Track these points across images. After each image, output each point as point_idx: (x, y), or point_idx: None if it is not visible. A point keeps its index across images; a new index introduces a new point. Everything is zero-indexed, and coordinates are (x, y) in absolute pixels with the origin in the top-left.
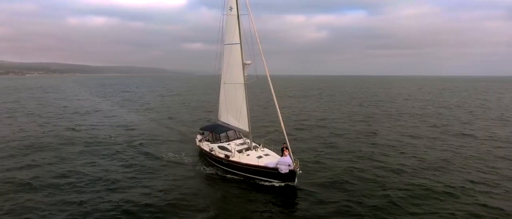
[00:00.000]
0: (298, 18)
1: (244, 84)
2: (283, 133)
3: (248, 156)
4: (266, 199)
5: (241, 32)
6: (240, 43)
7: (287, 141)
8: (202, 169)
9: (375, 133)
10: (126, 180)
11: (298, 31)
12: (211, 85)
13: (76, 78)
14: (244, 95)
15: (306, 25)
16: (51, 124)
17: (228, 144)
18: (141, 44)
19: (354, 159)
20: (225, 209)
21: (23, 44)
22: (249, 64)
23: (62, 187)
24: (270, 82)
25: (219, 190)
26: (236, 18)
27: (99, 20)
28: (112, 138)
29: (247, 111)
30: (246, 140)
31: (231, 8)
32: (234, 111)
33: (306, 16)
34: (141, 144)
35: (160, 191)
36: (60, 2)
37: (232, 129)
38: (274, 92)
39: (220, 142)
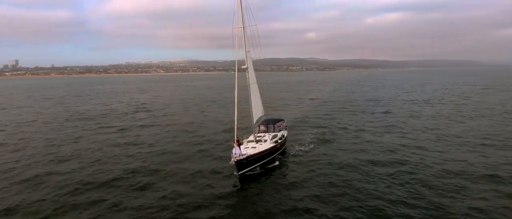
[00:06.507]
0: None
1: (248, 85)
2: (234, 129)
3: (242, 145)
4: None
5: (246, 42)
6: (245, 51)
7: (235, 135)
8: None
9: None
10: None
11: None
12: None
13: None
14: (249, 93)
15: None
16: None
17: (251, 135)
18: (441, 35)
19: None
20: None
21: (333, 45)
22: (246, 67)
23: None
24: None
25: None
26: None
27: (393, 16)
28: None
29: (250, 107)
30: (266, 135)
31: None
32: None
33: None
34: None
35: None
36: (357, 5)
37: (262, 124)
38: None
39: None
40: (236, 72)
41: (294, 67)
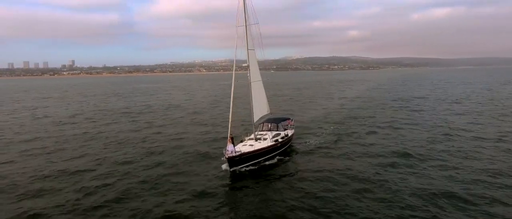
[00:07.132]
0: None
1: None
2: (228, 126)
3: (242, 142)
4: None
5: (249, 40)
6: (247, 50)
7: (229, 132)
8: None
9: None
10: None
11: None
12: None
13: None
14: (250, 91)
15: None
16: None
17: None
18: (494, 31)
19: None
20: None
21: (376, 43)
22: (247, 65)
23: None
24: (233, 84)
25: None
26: (248, 29)
27: (441, 12)
28: None
29: (251, 105)
30: (268, 133)
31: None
32: None
33: None
34: None
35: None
36: (401, 1)
37: (266, 122)
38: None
39: None
40: (233, 72)
41: (336, 66)
